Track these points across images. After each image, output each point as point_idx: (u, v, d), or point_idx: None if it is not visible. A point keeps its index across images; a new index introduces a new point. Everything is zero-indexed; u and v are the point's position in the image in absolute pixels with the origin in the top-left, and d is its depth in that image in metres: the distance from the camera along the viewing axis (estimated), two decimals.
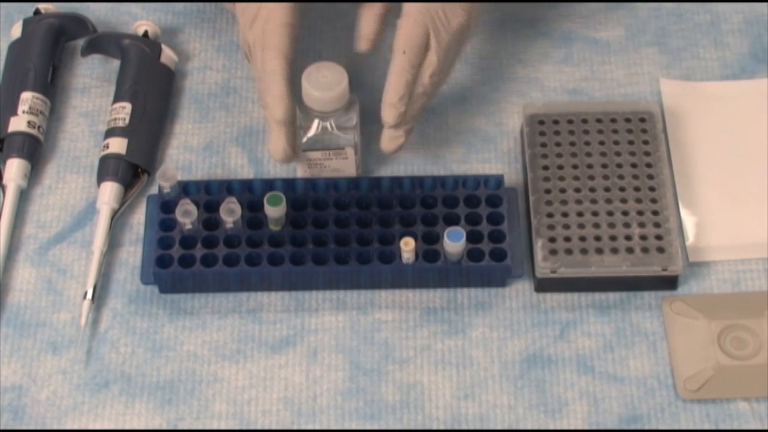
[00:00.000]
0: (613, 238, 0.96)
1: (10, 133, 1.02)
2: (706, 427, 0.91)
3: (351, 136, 0.98)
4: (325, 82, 0.95)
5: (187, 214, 0.95)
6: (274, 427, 0.92)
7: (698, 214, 1.00)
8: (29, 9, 1.10)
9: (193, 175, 1.03)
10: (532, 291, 0.97)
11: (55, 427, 0.92)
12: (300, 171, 1.00)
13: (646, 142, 1.00)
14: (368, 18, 0.98)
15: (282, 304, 0.97)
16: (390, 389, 0.93)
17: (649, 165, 0.99)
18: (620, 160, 0.99)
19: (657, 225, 0.96)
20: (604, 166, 0.99)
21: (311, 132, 0.97)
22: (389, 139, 0.97)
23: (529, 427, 0.91)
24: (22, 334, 0.96)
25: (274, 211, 0.95)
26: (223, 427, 0.92)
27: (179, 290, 0.97)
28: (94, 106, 1.07)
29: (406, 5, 0.96)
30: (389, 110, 0.95)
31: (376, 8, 0.98)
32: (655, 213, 0.97)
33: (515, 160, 1.03)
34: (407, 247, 0.94)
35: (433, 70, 0.96)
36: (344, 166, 0.99)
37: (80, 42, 1.08)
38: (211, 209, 0.97)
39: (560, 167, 0.99)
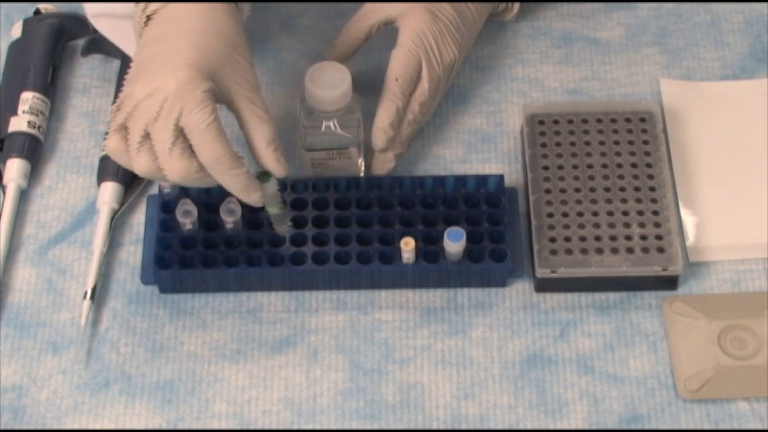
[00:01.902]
0: (613, 238, 0.96)
1: (10, 133, 1.02)
2: (706, 427, 0.91)
3: (354, 136, 0.98)
4: (329, 82, 0.95)
5: (187, 214, 0.95)
6: (274, 427, 0.92)
7: (698, 214, 1.00)
8: (29, 9, 1.10)
9: None
10: (532, 291, 0.97)
11: (55, 427, 0.92)
12: (304, 171, 1.00)
13: (646, 142, 1.00)
14: (347, 36, 1.01)
15: (282, 304, 0.97)
16: (390, 389, 0.93)
17: (649, 165, 0.99)
18: (620, 160, 0.99)
19: (657, 225, 0.96)
20: (604, 166, 0.99)
21: (315, 132, 0.97)
22: (380, 163, 1.00)
23: (529, 427, 0.91)
24: (22, 334, 0.96)
25: (266, 188, 0.92)
26: (223, 427, 0.92)
27: (179, 290, 0.97)
28: (94, 106, 1.07)
29: (402, 36, 1.00)
30: (379, 134, 0.98)
31: (358, 31, 1.02)
32: (655, 213, 0.97)
33: (515, 160, 1.03)
34: (407, 247, 0.94)
35: (424, 99, 1.00)
36: (348, 165, 0.99)
37: (80, 42, 1.08)
38: (211, 209, 0.97)
39: (560, 167, 0.99)
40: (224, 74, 0.87)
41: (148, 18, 0.89)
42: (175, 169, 0.86)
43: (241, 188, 0.88)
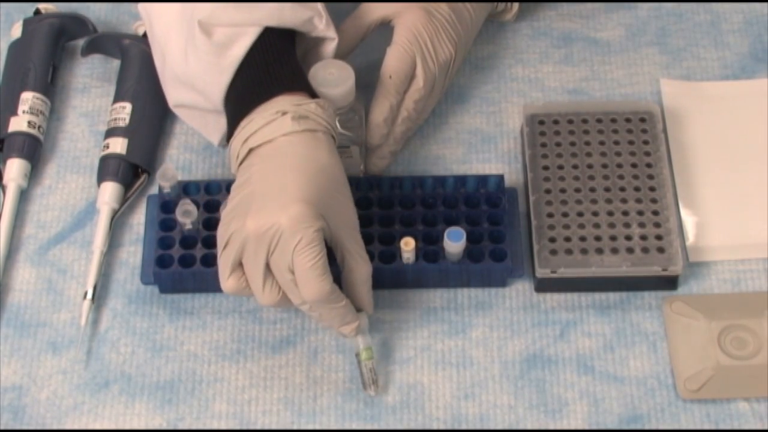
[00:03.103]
0: (613, 238, 0.96)
1: (10, 133, 1.02)
2: (706, 427, 0.91)
3: (356, 135, 0.98)
4: (332, 80, 0.95)
5: (187, 214, 0.95)
6: (274, 427, 0.92)
7: (698, 214, 1.00)
8: (29, 9, 1.10)
9: (193, 175, 1.03)
10: (532, 291, 0.97)
11: (55, 427, 0.92)
12: None
13: (646, 142, 1.00)
14: (344, 35, 1.00)
15: None
16: (390, 389, 0.93)
17: (649, 165, 0.99)
18: (620, 160, 0.99)
19: (657, 225, 0.96)
20: (604, 166, 0.99)
21: None
22: (375, 160, 1.00)
23: (529, 427, 0.91)
24: (22, 334, 0.96)
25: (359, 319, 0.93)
26: (223, 427, 0.92)
27: (179, 290, 0.97)
28: (94, 106, 1.07)
29: (397, 35, 0.99)
30: (373, 130, 0.98)
31: (355, 31, 1.01)
32: (655, 213, 0.97)
33: (515, 160, 1.03)
34: (407, 247, 0.94)
35: (419, 97, 0.99)
36: (349, 164, 0.99)
37: (80, 42, 1.08)
38: (211, 209, 0.97)
39: (560, 167, 0.99)
40: (331, 213, 0.87)
41: (250, 151, 0.89)
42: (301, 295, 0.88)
43: (341, 320, 0.90)
